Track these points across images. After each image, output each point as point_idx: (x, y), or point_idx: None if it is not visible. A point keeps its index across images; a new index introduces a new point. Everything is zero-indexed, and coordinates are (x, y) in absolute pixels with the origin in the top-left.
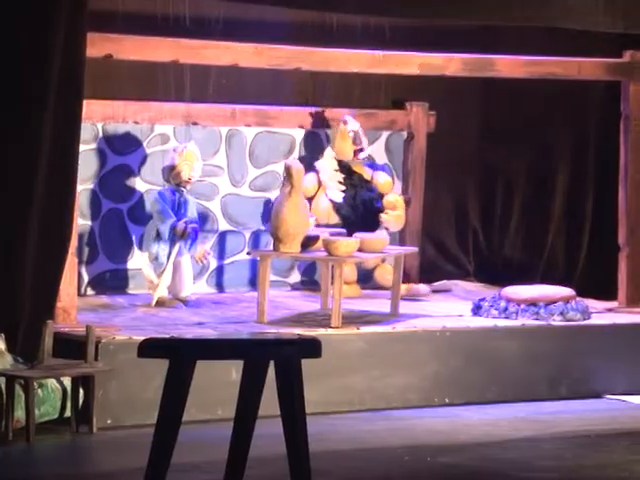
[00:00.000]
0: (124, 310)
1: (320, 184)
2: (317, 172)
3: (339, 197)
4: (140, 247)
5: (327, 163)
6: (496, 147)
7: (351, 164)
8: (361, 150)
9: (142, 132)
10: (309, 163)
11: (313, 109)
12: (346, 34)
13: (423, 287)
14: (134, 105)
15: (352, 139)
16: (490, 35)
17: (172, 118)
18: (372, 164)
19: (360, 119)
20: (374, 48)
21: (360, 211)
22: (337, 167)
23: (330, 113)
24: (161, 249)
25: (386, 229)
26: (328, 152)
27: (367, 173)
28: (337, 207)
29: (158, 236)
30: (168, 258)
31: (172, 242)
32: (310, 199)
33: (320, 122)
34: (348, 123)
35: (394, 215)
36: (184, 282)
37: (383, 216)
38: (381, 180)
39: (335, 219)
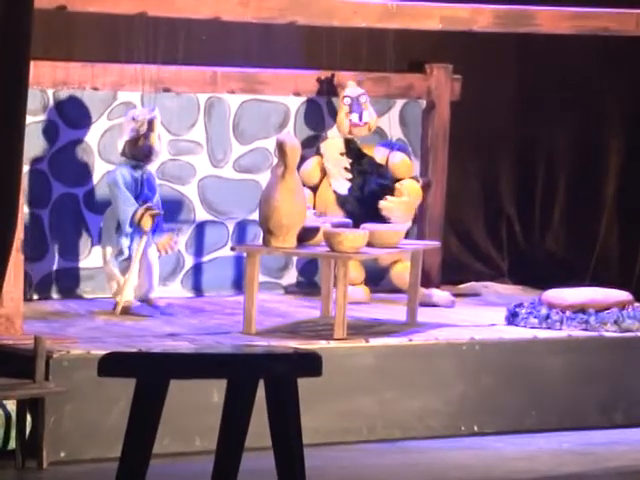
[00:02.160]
0: (80, 318)
1: (325, 171)
2: (322, 156)
3: (344, 188)
4: (99, 241)
5: (332, 145)
6: (534, 118)
7: (362, 144)
8: (361, 123)
9: (102, 100)
10: (307, 139)
11: (311, 72)
12: None
13: (439, 293)
14: (92, 67)
15: (348, 107)
16: None
17: (139, 83)
18: (388, 143)
19: (368, 85)
20: None
21: (368, 205)
22: (343, 150)
23: (339, 78)
24: (124, 242)
25: (387, 219)
26: (333, 131)
27: (380, 155)
28: (341, 200)
29: (119, 226)
30: (133, 253)
31: (136, 233)
32: (313, 189)
33: (322, 88)
34: (346, 88)
35: (395, 202)
36: (153, 280)
37: (382, 203)
38: (396, 161)
39: (339, 213)
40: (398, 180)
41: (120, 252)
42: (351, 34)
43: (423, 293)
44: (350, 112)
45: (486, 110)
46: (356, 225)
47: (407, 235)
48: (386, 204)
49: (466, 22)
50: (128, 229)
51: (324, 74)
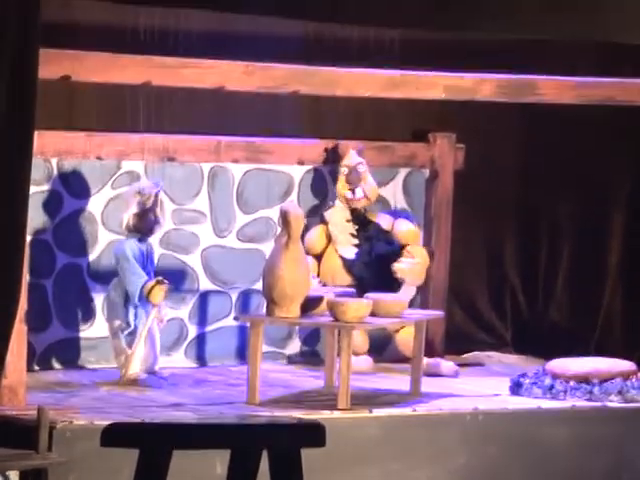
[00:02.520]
0: (84, 388)
1: (329, 239)
2: (326, 224)
3: (351, 253)
4: (106, 314)
5: (337, 212)
6: (538, 187)
7: (366, 213)
8: (355, 198)
9: (106, 170)
10: (311, 208)
11: (315, 141)
12: (355, 51)
13: (443, 363)
14: (97, 137)
15: (345, 178)
16: (531, 51)
17: (143, 153)
18: (394, 212)
19: (371, 153)
20: (389, 67)
21: (376, 269)
22: (349, 217)
23: (341, 148)
24: (131, 315)
25: (401, 281)
26: (338, 202)
27: (385, 223)
28: (348, 265)
29: (127, 299)
30: (138, 325)
31: (141, 306)
32: (318, 258)
33: (326, 157)
34: (345, 157)
35: (410, 263)
36: (157, 351)
37: (396, 265)
38: (403, 228)
39: (347, 280)
40: (404, 246)
41: (127, 325)
42: (354, 103)
43: (427, 363)
44: (347, 183)
45: (489, 179)
46: (365, 289)
47: (411, 304)
48: (400, 266)
49: (469, 92)
50: (136, 302)
51: (328, 143)
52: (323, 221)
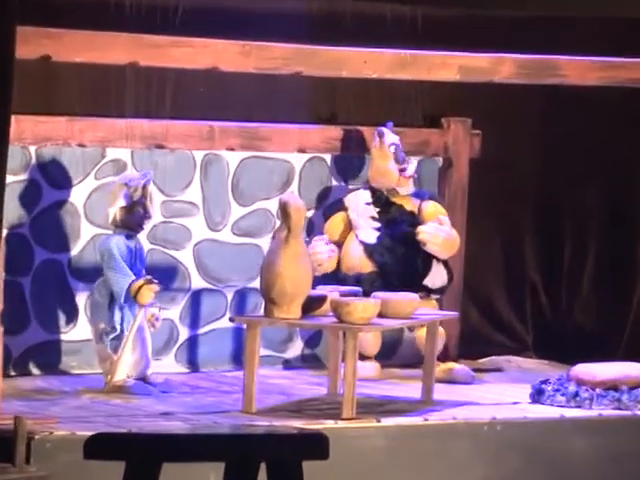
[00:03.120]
0: (65, 396)
1: (350, 226)
2: (345, 210)
3: (372, 237)
4: (89, 317)
5: (357, 196)
6: (561, 177)
7: (389, 194)
8: (405, 170)
9: (89, 158)
10: (313, 199)
11: (317, 127)
12: (362, 28)
13: (461, 369)
14: (79, 122)
15: (393, 155)
16: (553, 29)
17: (129, 139)
18: (418, 192)
19: None
20: (399, 46)
21: (400, 253)
22: (369, 199)
23: (348, 132)
24: (117, 317)
25: (423, 244)
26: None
27: (412, 204)
28: (370, 251)
29: (112, 300)
30: (125, 328)
31: (128, 308)
32: (339, 246)
33: (329, 144)
34: (385, 135)
35: (436, 228)
36: (149, 356)
37: (420, 227)
38: (430, 210)
39: (369, 267)
40: None
41: (112, 329)
42: (361, 86)
43: (451, 369)
44: (397, 160)
45: (508, 168)
46: (388, 276)
47: (442, 291)
48: (424, 228)
49: (486, 73)
50: (123, 302)
51: (331, 129)
52: (342, 207)
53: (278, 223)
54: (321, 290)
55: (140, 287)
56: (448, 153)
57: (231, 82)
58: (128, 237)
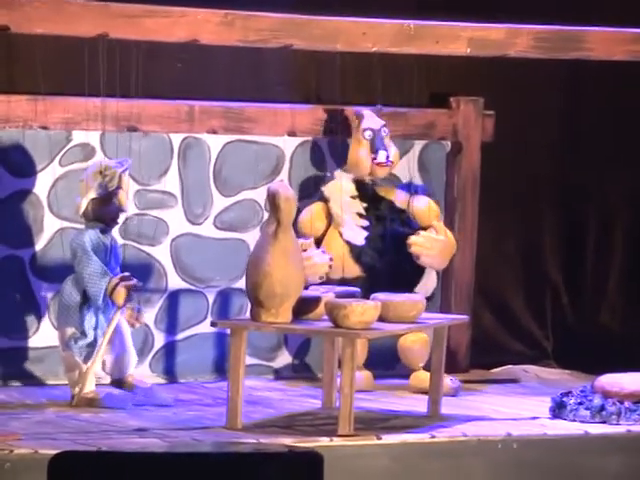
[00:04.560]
0: (27, 410)
1: (330, 220)
2: (326, 202)
3: (359, 237)
4: (56, 320)
5: (339, 187)
6: (584, 162)
7: (377, 186)
8: (388, 163)
9: (53, 142)
10: (305, 189)
11: (309, 107)
12: None
13: (450, 381)
14: (42, 102)
15: (369, 143)
16: None
17: (99, 121)
18: (408, 185)
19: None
20: (402, 17)
21: (391, 256)
22: (355, 192)
23: (348, 112)
24: (89, 322)
25: (416, 258)
26: (339, 172)
27: (400, 199)
28: (357, 253)
29: (84, 302)
30: (97, 334)
31: (106, 310)
32: (316, 242)
33: (325, 127)
34: (363, 119)
35: (430, 238)
36: (130, 357)
37: (412, 238)
38: (421, 206)
39: (354, 270)
40: (424, 229)
41: (82, 334)
42: (359, 60)
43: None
44: (372, 148)
45: (525, 153)
46: (378, 282)
47: (429, 299)
48: (417, 239)
49: (500, 46)
50: (99, 304)
51: (325, 109)
52: (322, 198)
53: (266, 215)
54: (314, 291)
55: (115, 285)
56: (457, 137)
57: (212, 56)
58: (102, 232)
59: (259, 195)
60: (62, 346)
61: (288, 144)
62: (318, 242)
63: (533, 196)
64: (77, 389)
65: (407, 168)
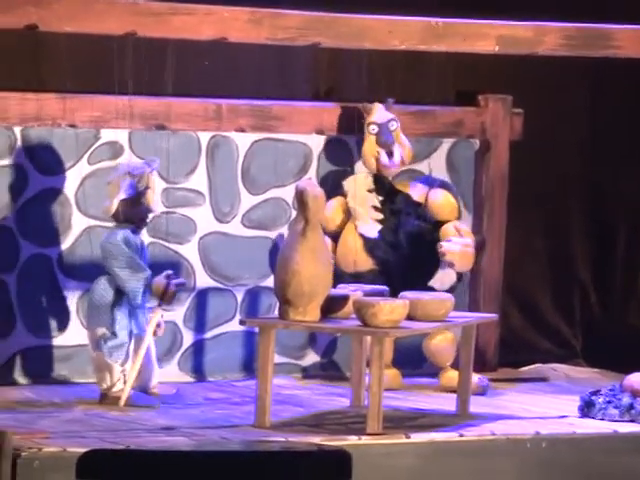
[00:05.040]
0: (55, 408)
1: (348, 214)
2: (344, 196)
3: (374, 231)
4: (86, 320)
5: (357, 181)
6: (613, 161)
7: (394, 180)
8: (389, 155)
9: (82, 140)
10: (332, 186)
11: (337, 105)
12: None
13: (478, 380)
14: (70, 100)
15: (374, 137)
16: None
17: (127, 119)
18: (426, 179)
19: (407, 120)
20: (430, 14)
21: (405, 250)
22: (372, 186)
23: (364, 104)
24: (121, 322)
25: (449, 265)
26: (359, 166)
27: (418, 193)
28: (370, 246)
29: (116, 302)
30: (128, 335)
31: (140, 310)
32: (334, 236)
33: (352, 124)
34: (371, 113)
35: (462, 244)
36: (153, 364)
37: (444, 244)
38: (438, 200)
39: (368, 264)
40: (440, 223)
41: (113, 334)
42: (387, 58)
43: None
44: (378, 144)
45: (553, 152)
46: (390, 275)
47: (449, 291)
48: (451, 247)
49: (529, 44)
50: (139, 303)
51: (352, 107)
52: (341, 192)
53: (294, 214)
54: (343, 289)
55: (166, 285)
56: (485, 135)
57: (240, 54)
58: (132, 232)
59: (287, 193)
60: (92, 346)
61: (315, 142)
62: (337, 236)
63: (562, 194)
64: (105, 386)
65: (434, 166)
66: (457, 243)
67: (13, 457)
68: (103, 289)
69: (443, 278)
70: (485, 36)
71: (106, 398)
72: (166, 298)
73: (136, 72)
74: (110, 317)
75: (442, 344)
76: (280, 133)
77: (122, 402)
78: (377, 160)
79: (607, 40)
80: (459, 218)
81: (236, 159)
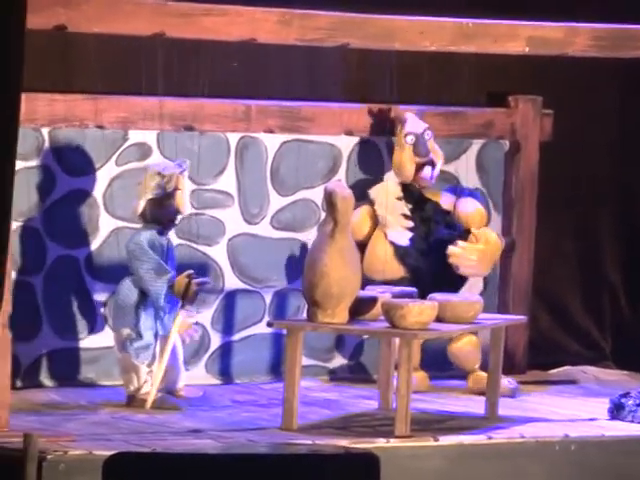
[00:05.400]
0: (81, 411)
1: (376, 222)
2: (372, 204)
3: (404, 239)
4: (112, 321)
5: (386, 189)
6: None
7: (423, 189)
8: (428, 165)
9: (110, 141)
10: (362, 188)
11: (366, 106)
12: None
13: (507, 382)
14: (98, 101)
15: (412, 147)
16: None
17: (155, 120)
18: (454, 188)
19: (437, 121)
20: (459, 15)
21: (435, 258)
22: (400, 194)
23: (396, 112)
24: (145, 322)
25: (455, 268)
26: (389, 175)
27: (446, 202)
28: (401, 254)
29: (141, 303)
30: (153, 335)
31: (165, 310)
32: (362, 244)
33: (381, 126)
34: (406, 123)
35: (468, 248)
36: (179, 366)
37: (450, 248)
38: (468, 209)
39: (399, 272)
40: (469, 232)
41: (138, 335)
42: (416, 59)
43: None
44: (416, 155)
45: (584, 153)
46: (421, 283)
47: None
48: (455, 250)
49: (559, 45)
50: (162, 304)
51: (382, 108)
52: (369, 201)
53: (323, 215)
54: (371, 291)
55: (187, 284)
56: (515, 136)
57: (270, 55)
58: (159, 233)
59: (316, 195)
60: (118, 347)
61: (345, 143)
62: (364, 245)
63: (592, 196)
64: (132, 388)
65: (464, 169)
66: (463, 247)
67: (39, 460)
68: (128, 290)
69: (471, 287)
70: (515, 37)
71: (133, 401)
72: (187, 297)
73: (164, 73)
74: (135, 318)
75: (466, 348)
76: (309, 134)
77: (148, 404)
78: (416, 172)
79: (637, 41)
80: (487, 225)
81: (265, 160)
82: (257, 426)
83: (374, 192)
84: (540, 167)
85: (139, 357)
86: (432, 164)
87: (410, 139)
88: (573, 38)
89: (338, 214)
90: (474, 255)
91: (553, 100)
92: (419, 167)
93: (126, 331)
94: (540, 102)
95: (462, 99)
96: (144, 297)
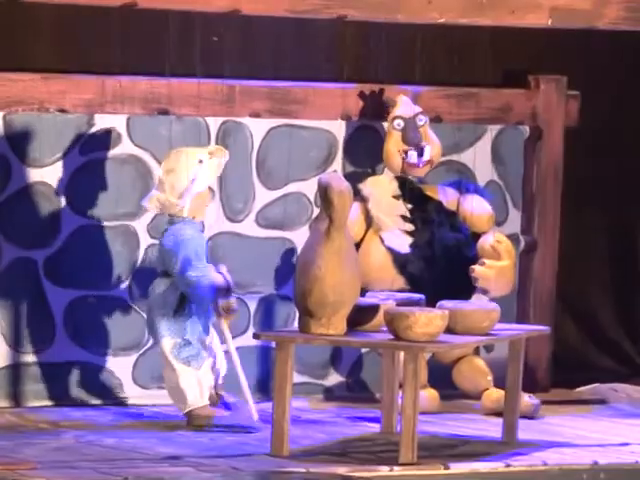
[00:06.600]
0: (41, 433)
1: (369, 222)
2: (365, 202)
3: (404, 244)
4: (148, 331)
5: (380, 185)
6: None
7: (422, 184)
8: (420, 164)
9: (73, 127)
10: (362, 181)
11: (365, 86)
12: None
13: (527, 398)
14: (59, 80)
15: (401, 133)
16: None
17: (125, 103)
18: (457, 183)
19: (448, 104)
20: None
21: (440, 266)
22: (397, 191)
23: (387, 95)
24: (191, 327)
25: (483, 292)
26: (381, 167)
27: (449, 199)
28: (401, 261)
29: (178, 308)
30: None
31: (208, 314)
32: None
33: (381, 108)
34: (396, 106)
35: (495, 267)
36: (220, 370)
37: (477, 268)
38: (474, 210)
39: (398, 282)
40: (477, 234)
41: (187, 343)
42: (423, 34)
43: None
44: (404, 142)
45: (614, 140)
46: (426, 294)
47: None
48: (482, 271)
49: (586, 17)
50: (207, 309)
51: (382, 89)
52: (361, 197)
53: (316, 212)
54: (372, 298)
55: (229, 307)
56: (537, 121)
57: (256, 29)
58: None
59: (309, 188)
60: (165, 360)
61: (341, 129)
62: (356, 248)
63: (624, 190)
64: (189, 405)
65: (478, 158)
66: (492, 267)
67: None
68: (165, 296)
69: (481, 298)
70: (537, 8)
71: (192, 418)
72: (228, 316)
73: (135, 49)
74: (177, 324)
75: (467, 374)
76: (300, 119)
77: (255, 416)
78: (403, 160)
79: None
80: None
81: (250, 148)
82: (242, 452)
83: (366, 188)
84: (565, 156)
85: (191, 364)
86: (420, 150)
87: (398, 124)
88: (603, 9)
89: (334, 210)
90: (503, 275)
91: (580, 80)
92: (406, 156)
93: (174, 339)
94: (565, 82)
95: (475, 78)
96: (184, 301)
